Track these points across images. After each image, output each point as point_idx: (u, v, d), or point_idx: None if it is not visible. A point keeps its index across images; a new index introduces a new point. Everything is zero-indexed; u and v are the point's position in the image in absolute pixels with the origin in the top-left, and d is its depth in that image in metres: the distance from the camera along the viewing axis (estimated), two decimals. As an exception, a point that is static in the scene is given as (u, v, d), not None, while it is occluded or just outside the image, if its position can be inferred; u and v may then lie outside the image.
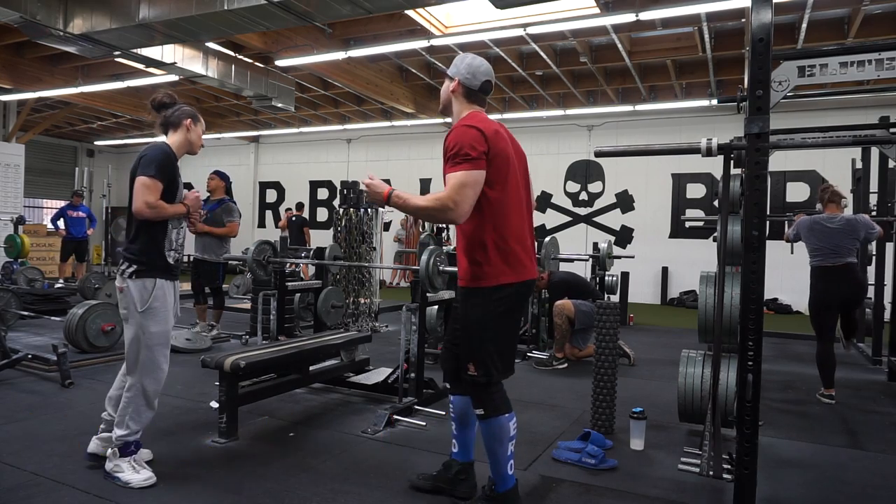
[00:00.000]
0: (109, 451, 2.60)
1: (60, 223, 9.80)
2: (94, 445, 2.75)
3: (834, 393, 4.22)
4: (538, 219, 11.86)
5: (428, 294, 3.77)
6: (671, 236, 10.93)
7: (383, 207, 2.20)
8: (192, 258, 5.82)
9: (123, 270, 2.59)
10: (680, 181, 10.88)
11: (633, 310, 8.53)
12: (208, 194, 5.90)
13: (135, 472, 2.55)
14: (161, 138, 2.78)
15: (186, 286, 5.86)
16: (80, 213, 9.84)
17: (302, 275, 8.86)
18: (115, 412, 2.65)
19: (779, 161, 9.15)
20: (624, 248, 11.01)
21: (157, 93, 2.80)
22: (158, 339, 2.61)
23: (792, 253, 5.64)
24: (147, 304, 2.56)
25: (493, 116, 11.59)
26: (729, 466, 2.42)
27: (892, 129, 4.25)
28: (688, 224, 10.19)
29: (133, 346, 2.59)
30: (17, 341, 5.15)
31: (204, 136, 2.83)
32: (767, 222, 2.55)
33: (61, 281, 9.81)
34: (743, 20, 6.86)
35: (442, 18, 7.25)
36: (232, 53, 8.45)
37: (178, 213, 2.68)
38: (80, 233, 9.87)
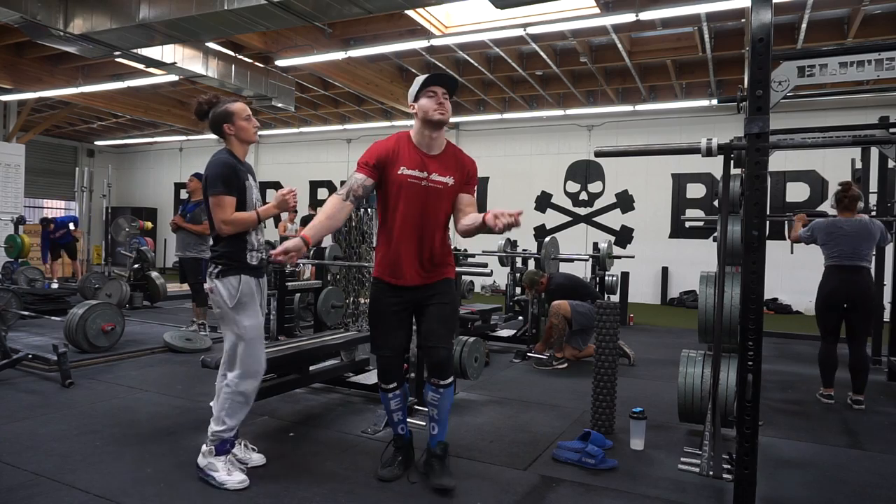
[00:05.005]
0: (204, 447, 2.61)
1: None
2: (199, 457, 2.68)
3: (833, 393, 4.22)
4: (539, 218, 11.89)
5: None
6: (671, 236, 10.93)
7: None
8: (177, 257, 5.94)
9: (210, 272, 2.62)
10: (680, 181, 10.88)
11: (633, 310, 8.53)
12: (189, 194, 5.97)
13: (228, 475, 2.55)
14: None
15: (184, 287, 5.87)
16: (61, 231, 10.09)
17: (309, 274, 8.85)
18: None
19: (779, 161, 9.16)
20: (624, 248, 11.01)
21: (196, 102, 2.73)
22: (252, 332, 2.63)
23: (792, 253, 5.63)
24: (236, 299, 2.58)
25: (493, 116, 11.66)
26: (729, 466, 2.42)
27: (891, 129, 4.25)
28: (688, 224, 10.19)
29: (232, 343, 2.62)
30: (17, 341, 5.15)
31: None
32: (767, 222, 2.55)
33: (56, 281, 9.82)
34: (743, 20, 6.86)
35: (442, 18, 7.25)
36: (232, 53, 8.45)
37: (262, 218, 2.68)
38: (66, 240, 10.17)
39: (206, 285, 2.67)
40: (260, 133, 14.40)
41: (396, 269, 2.60)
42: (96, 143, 16.47)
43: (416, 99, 2.58)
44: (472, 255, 7.55)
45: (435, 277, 2.65)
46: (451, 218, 2.68)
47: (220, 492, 2.51)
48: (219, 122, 2.69)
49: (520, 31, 7.00)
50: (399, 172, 2.54)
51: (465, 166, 2.66)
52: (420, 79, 2.59)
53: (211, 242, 2.69)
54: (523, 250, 7.77)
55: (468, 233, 2.50)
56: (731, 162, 2.57)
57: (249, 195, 2.70)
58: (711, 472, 2.41)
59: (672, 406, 3.43)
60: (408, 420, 3.42)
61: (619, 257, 7.96)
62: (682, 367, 3.23)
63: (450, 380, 2.62)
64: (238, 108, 2.70)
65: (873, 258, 5.87)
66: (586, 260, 7.06)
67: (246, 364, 2.61)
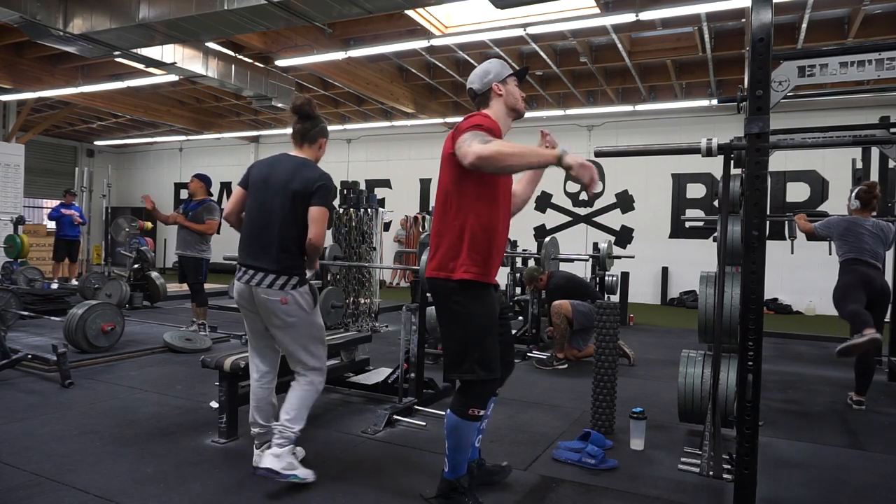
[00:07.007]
0: (277, 448, 2.53)
1: (52, 224, 10.07)
2: (269, 461, 2.52)
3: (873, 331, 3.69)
4: (539, 219, 11.88)
5: (428, 294, 3.77)
6: (671, 236, 10.93)
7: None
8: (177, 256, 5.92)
9: (284, 284, 2.56)
10: (680, 181, 10.88)
11: (633, 310, 8.53)
12: (189, 194, 5.98)
13: (304, 469, 2.59)
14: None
15: (184, 287, 5.86)
16: (73, 212, 10.03)
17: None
18: (265, 420, 2.73)
19: (779, 161, 9.15)
20: (624, 248, 11.01)
21: (302, 99, 2.79)
22: (324, 330, 2.79)
23: (792, 253, 5.63)
24: (315, 303, 2.70)
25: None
26: (729, 466, 2.42)
27: (892, 129, 4.25)
28: (688, 224, 10.19)
29: (313, 343, 2.69)
30: (17, 341, 5.15)
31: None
32: (767, 222, 2.55)
33: (56, 281, 9.82)
34: (743, 20, 6.86)
35: (442, 18, 7.25)
36: (232, 53, 8.45)
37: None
38: (74, 233, 10.13)
39: (276, 298, 2.56)
40: (260, 133, 14.47)
41: (495, 268, 2.28)
42: (96, 143, 16.47)
43: (504, 81, 2.37)
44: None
45: None
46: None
47: (219, 491, 2.51)
48: (322, 134, 2.86)
49: (520, 31, 7.00)
50: None
51: None
52: (501, 62, 2.44)
53: (283, 251, 2.60)
54: (523, 250, 7.77)
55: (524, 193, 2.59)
56: (731, 162, 2.57)
57: None
58: (711, 472, 2.41)
59: (672, 406, 3.43)
60: (407, 420, 3.44)
61: (619, 257, 7.95)
62: (682, 367, 3.23)
63: None
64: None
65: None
66: (586, 260, 7.06)
67: (322, 360, 2.73)
